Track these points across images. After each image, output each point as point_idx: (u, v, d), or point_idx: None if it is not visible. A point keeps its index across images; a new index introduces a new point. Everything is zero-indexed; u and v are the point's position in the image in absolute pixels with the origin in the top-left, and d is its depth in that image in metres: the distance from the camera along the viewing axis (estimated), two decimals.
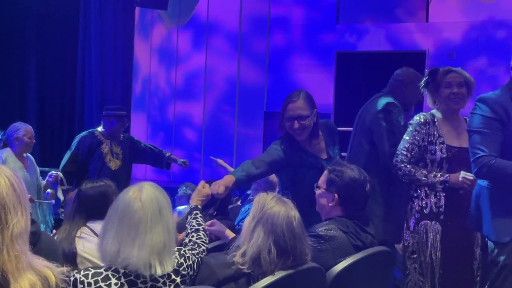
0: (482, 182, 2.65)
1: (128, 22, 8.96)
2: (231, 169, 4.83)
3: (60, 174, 4.50)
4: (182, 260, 1.93)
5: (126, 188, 1.87)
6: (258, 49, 7.96)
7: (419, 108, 4.68)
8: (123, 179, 4.60)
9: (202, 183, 2.63)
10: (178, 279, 1.87)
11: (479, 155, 2.55)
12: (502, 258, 2.56)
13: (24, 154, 4.55)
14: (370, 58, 7.23)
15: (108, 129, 4.66)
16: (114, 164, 4.69)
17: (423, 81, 3.11)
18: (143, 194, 1.80)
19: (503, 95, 2.64)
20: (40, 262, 1.45)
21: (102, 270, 1.78)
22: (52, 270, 1.45)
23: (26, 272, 1.38)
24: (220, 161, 5.01)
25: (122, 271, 1.76)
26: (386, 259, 2.46)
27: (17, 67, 9.80)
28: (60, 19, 9.69)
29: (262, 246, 2.01)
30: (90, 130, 4.82)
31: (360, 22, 7.46)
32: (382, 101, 3.30)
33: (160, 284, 1.81)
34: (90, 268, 1.79)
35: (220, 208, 2.87)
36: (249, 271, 2.00)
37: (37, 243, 1.90)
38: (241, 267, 2.01)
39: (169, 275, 1.84)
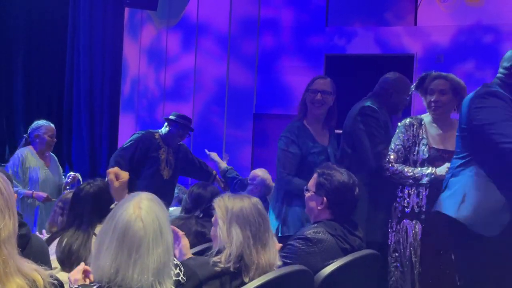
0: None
1: (117, 23, 8.92)
2: (223, 164, 4.86)
3: (78, 175, 4.49)
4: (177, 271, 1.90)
5: (122, 202, 1.77)
6: (247, 50, 7.97)
7: (407, 112, 4.72)
8: (170, 191, 4.35)
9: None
10: None
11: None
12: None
13: (47, 153, 4.56)
14: (359, 61, 7.26)
15: (171, 135, 4.31)
16: (166, 173, 4.35)
17: (413, 86, 3.17)
18: (143, 212, 1.72)
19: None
20: (29, 266, 1.44)
21: None
22: (40, 273, 1.44)
23: (14, 276, 1.37)
24: (213, 154, 5.00)
25: None
26: (374, 262, 2.48)
27: (4, 66, 9.73)
28: (49, 18, 9.64)
29: (243, 241, 2.05)
30: (149, 131, 4.47)
31: (349, 25, 7.50)
32: (361, 105, 3.34)
33: None
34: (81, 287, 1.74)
35: (206, 210, 2.89)
36: (233, 268, 2.01)
37: (27, 246, 1.89)
38: (227, 265, 2.02)
39: None
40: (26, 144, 4.50)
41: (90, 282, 1.77)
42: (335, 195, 2.42)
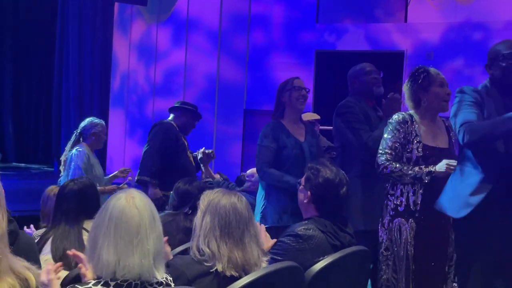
0: None
1: (107, 18, 8.87)
2: (216, 177, 4.86)
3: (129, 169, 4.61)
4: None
5: (113, 196, 1.79)
6: (238, 46, 7.96)
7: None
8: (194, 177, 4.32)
9: None
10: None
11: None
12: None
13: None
14: (349, 57, 7.26)
15: (187, 124, 4.44)
16: (192, 160, 4.47)
17: (411, 79, 3.09)
18: (137, 200, 1.75)
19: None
20: (21, 264, 1.43)
21: (90, 285, 1.71)
22: (32, 272, 1.43)
23: (6, 275, 1.36)
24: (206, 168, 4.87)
25: (112, 283, 1.69)
26: (364, 258, 2.49)
27: None
28: (38, 13, 9.57)
29: (209, 230, 2.06)
30: (164, 121, 4.51)
31: (340, 21, 7.51)
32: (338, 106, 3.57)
33: None
34: (77, 286, 1.72)
35: (195, 206, 2.88)
36: (209, 264, 2.01)
37: (15, 242, 1.88)
38: (206, 264, 2.02)
39: (161, 283, 1.80)
40: (78, 141, 4.48)
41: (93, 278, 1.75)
42: (318, 190, 2.42)
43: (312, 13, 7.66)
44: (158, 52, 8.30)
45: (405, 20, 7.22)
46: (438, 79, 3.05)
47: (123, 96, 8.60)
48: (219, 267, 2.00)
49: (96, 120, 4.52)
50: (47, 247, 2.65)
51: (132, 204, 1.73)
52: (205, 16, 8.06)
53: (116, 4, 8.54)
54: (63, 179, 4.35)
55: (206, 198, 2.15)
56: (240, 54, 7.96)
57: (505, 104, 2.67)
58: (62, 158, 4.54)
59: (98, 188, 4.31)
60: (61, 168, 4.50)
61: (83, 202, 2.75)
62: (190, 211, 2.88)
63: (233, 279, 2.00)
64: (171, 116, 4.55)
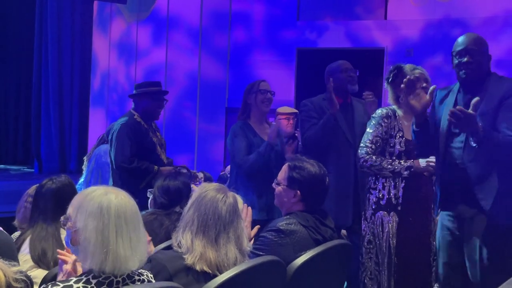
0: None
1: (86, 16, 8.78)
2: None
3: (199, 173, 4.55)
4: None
5: (96, 192, 1.75)
6: (219, 44, 7.94)
7: (379, 104, 4.77)
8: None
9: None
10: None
11: None
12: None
13: None
14: (330, 54, 7.27)
15: (150, 110, 3.79)
16: (164, 157, 3.86)
17: (386, 77, 3.17)
18: (123, 194, 1.76)
19: None
20: None
21: (71, 283, 1.69)
22: (4, 270, 1.40)
23: None
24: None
25: (94, 281, 1.68)
26: (345, 252, 2.50)
27: None
28: (16, 11, 9.43)
29: (187, 223, 2.07)
30: (127, 117, 3.81)
31: (320, 19, 7.53)
32: None
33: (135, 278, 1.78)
34: (58, 283, 1.69)
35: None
36: (189, 261, 2.01)
37: None
38: (188, 262, 2.01)
39: (143, 280, 1.80)
40: (103, 142, 4.57)
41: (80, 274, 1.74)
42: (308, 188, 2.42)
43: (292, 11, 7.68)
44: (138, 50, 8.24)
45: (385, 17, 7.27)
46: (413, 74, 3.09)
47: (104, 95, 8.53)
48: (189, 259, 1.99)
49: None
50: (26, 247, 2.61)
51: (128, 200, 1.75)
52: (185, 14, 8.02)
53: (95, 3, 8.47)
54: (85, 176, 4.52)
55: (199, 191, 2.15)
56: (221, 52, 7.94)
57: (463, 99, 2.71)
58: (86, 158, 4.63)
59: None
60: (83, 167, 4.60)
61: (61, 201, 2.71)
62: (181, 209, 2.82)
63: (207, 275, 1.99)
64: (133, 105, 3.96)
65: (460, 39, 2.74)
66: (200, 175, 4.93)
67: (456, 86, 2.79)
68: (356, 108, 3.60)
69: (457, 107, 2.47)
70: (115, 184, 3.76)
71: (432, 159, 2.89)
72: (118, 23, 8.41)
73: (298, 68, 7.58)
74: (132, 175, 3.69)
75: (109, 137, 3.91)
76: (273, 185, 2.58)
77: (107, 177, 4.37)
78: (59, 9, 8.85)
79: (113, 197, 1.73)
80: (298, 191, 2.45)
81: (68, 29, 8.88)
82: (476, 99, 2.46)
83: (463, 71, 2.66)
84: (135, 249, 1.71)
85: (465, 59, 2.65)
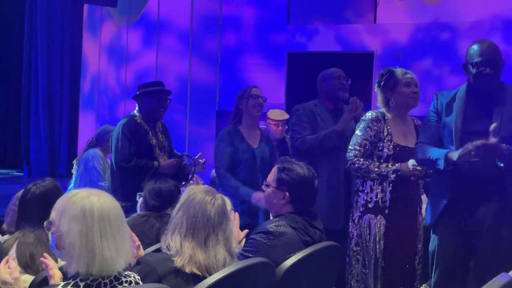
0: None
1: (76, 19, 8.76)
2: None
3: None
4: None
5: (78, 195, 1.75)
6: (209, 48, 7.94)
7: (368, 107, 4.79)
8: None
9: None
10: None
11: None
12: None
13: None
14: (320, 58, 7.33)
15: (152, 110, 3.78)
16: (163, 160, 3.79)
17: (377, 80, 3.19)
18: (104, 197, 1.75)
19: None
20: None
21: (59, 287, 1.68)
22: None
23: None
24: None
25: (82, 284, 1.68)
26: (334, 253, 2.51)
27: None
28: (5, 15, 9.39)
29: (176, 226, 2.07)
30: (128, 117, 3.82)
31: (310, 23, 7.56)
32: None
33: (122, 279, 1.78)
34: None
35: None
36: (178, 264, 2.01)
37: None
38: (177, 264, 2.01)
39: (130, 282, 1.80)
40: (92, 146, 4.59)
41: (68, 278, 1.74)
42: (297, 190, 2.43)
43: (283, 15, 7.71)
44: (128, 53, 8.22)
45: (374, 21, 7.32)
46: (404, 79, 3.12)
47: (93, 99, 8.50)
48: (178, 261, 2.00)
49: (111, 127, 4.60)
50: (13, 252, 2.59)
51: (111, 202, 1.75)
52: (176, 18, 8.02)
53: (86, 6, 8.44)
54: (75, 180, 4.51)
55: (187, 193, 2.15)
56: (211, 56, 7.95)
57: (475, 105, 2.72)
58: (75, 162, 4.62)
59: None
60: (73, 171, 4.59)
61: (47, 206, 2.69)
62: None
63: (196, 277, 1.99)
64: (136, 107, 3.93)
65: (477, 48, 2.70)
66: (203, 160, 4.87)
67: (461, 91, 2.78)
68: None
69: (475, 142, 2.46)
70: (114, 185, 3.76)
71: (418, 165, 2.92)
72: (108, 26, 8.40)
73: (289, 71, 7.61)
74: (132, 173, 3.68)
75: (110, 139, 3.95)
76: (263, 187, 2.59)
77: (95, 181, 4.36)
78: (48, 12, 8.82)
79: (96, 200, 1.73)
80: (287, 193, 2.45)
81: (58, 33, 8.85)
82: (494, 125, 2.48)
83: (484, 82, 2.67)
84: (120, 250, 1.71)
85: (487, 70, 2.65)
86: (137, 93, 3.94)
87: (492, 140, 2.46)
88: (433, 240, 2.79)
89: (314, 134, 3.53)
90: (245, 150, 3.61)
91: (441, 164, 2.61)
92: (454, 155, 2.55)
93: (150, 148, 3.77)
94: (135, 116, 3.84)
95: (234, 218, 2.48)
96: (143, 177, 3.53)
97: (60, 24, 8.83)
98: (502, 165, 2.53)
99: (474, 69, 2.67)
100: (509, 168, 2.57)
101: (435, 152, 2.68)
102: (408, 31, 7.13)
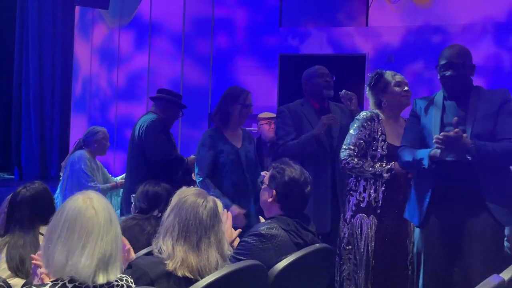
0: None
1: (67, 21, 8.72)
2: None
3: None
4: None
5: (71, 197, 1.77)
6: (202, 50, 7.94)
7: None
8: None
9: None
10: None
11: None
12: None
13: (96, 158, 4.58)
14: (312, 60, 7.29)
15: (173, 118, 4.09)
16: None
17: (368, 83, 3.22)
18: (94, 201, 1.74)
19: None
20: None
21: (47, 287, 1.68)
22: None
23: None
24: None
25: (70, 286, 1.68)
26: (326, 256, 2.51)
27: None
28: None
29: (168, 229, 2.06)
30: (151, 118, 3.98)
31: (303, 25, 7.58)
32: None
33: None
34: (33, 287, 1.70)
35: (165, 209, 2.83)
36: (170, 267, 1.99)
37: None
38: (169, 268, 2.00)
39: (121, 285, 1.79)
40: (80, 148, 4.58)
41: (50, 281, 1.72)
42: (283, 189, 2.44)
43: (275, 17, 7.71)
44: (120, 56, 8.20)
45: (366, 24, 7.34)
46: (394, 79, 3.16)
47: (85, 101, 8.47)
48: (170, 265, 1.98)
49: (98, 128, 4.63)
50: (2, 255, 2.58)
51: (89, 204, 1.72)
52: (168, 20, 8.01)
53: (77, 8, 8.41)
54: (63, 183, 4.49)
55: (177, 196, 2.14)
56: (204, 58, 7.94)
57: (451, 106, 2.79)
58: (63, 164, 4.61)
59: (110, 184, 4.51)
60: (61, 173, 4.60)
61: (37, 208, 2.69)
62: (160, 214, 2.82)
63: (188, 280, 1.98)
64: (153, 108, 4.16)
65: (444, 52, 2.81)
66: None
67: (439, 94, 2.85)
68: (334, 112, 3.62)
69: (442, 133, 2.53)
70: (139, 180, 3.62)
71: None
72: (100, 28, 8.37)
73: (281, 74, 7.62)
74: (171, 166, 3.90)
75: (138, 134, 3.97)
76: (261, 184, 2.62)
77: (85, 183, 4.33)
78: (40, 14, 8.77)
79: (79, 202, 1.73)
80: (274, 191, 2.47)
81: (49, 35, 8.80)
82: (455, 118, 2.55)
83: (449, 84, 2.76)
84: (69, 255, 1.68)
85: (449, 73, 2.74)
86: (162, 96, 4.17)
87: (452, 132, 2.50)
88: (419, 240, 2.80)
89: (300, 135, 3.51)
90: (229, 151, 3.55)
91: (425, 163, 2.66)
92: (437, 151, 2.61)
93: (174, 145, 4.08)
94: (157, 115, 4.05)
95: (227, 219, 2.48)
96: (177, 171, 3.89)
97: (51, 26, 8.79)
98: (469, 158, 2.58)
99: (440, 72, 2.79)
100: (482, 163, 2.61)
101: (418, 153, 2.73)
102: (400, 34, 7.16)
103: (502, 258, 2.65)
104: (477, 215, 2.65)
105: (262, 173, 4.33)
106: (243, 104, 3.58)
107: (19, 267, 2.52)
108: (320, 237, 3.25)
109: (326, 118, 3.44)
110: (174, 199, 2.14)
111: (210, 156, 3.52)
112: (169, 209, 2.13)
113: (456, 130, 2.50)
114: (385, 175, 3.01)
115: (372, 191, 3.06)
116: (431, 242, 2.74)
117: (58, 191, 4.56)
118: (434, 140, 2.53)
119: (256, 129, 5.76)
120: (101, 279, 1.70)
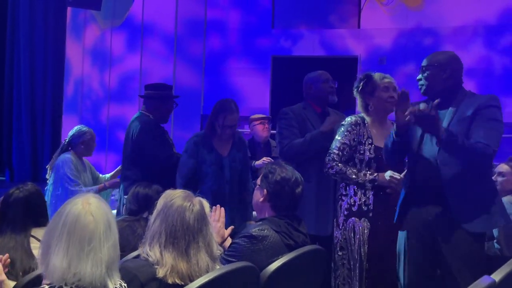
0: None
1: (59, 22, 8.68)
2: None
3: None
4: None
5: (70, 200, 1.75)
6: (194, 52, 7.93)
7: (352, 111, 4.81)
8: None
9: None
10: None
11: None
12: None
13: (83, 158, 4.50)
14: (304, 62, 7.35)
15: (166, 113, 3.97)
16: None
17: (356, 85, 3.23)
18: (93, 207, 1.71)
19: None
20: None
21: None
22: None
23: None
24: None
25: None
26: (319, 257, 2.51)
27: None
28: None
29: (155, 235, 2.02)
30: (144, 118, 3.91)
31: (295, 27, 7.59)
32: None
33: None
34: None
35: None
36: (160, 274, 1.98)
37: None
38: (159, 275, 1.98)
39: None
40: (66, 149, 4.46)
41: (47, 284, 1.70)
42: (274, 188, 2.44)
43: (267, 19, 7.73)
44: (112, 57, 8.17)
45: (358, 26, 7.36)
46: (382, 84, 3.17)
47: (77, 102, 8.43)
48: (160, 272, 1.96)
49: (84, 128, 4.52)
50: None
51: (88, 210, 1.70)
52: (160, 21, 7.99)
53: (69, 9, 8.37)
54: (49, 187, 4.40)
55: (163, 200, 2.10)
56: (196, 59, 7.93)
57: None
58: (49, 166, 4.53)
59: (97, 187, 4.43)
60: (48, 176, 4.51)
61: (30, 210, 2.68)
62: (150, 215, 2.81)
63: (178, 286, 1.96)
64: (144, 107, 4.09)
65: (429, 57, 2.89)
66: None
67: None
68: (333, 117, 3.64)
69: (417, 106, 2.58)
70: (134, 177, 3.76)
71: (396, 176, 2.96)
72: (92, 29, 8.34)
73: (273, 75, 7.62)
74: (171, 168, 3.79)
75: (131, 138, 3.91)
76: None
77: (67, 187, 4.27)
78: (31, 15, 8.73)
79: (78, 207, 1.71)
80: (265, 190, 2.47)
81: (41, 36, 8.76)
82: (436, 101, 2.58)
83: (419, 87, 2.87)
84: (73, 262, 1.66)
85: (418, 76, 2.86)
86: (150, 94, 4.02)
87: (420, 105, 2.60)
88: (400, 238, 2.83)
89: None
90: (213, 161, 3.55)
91: (391, 137, 2.75)
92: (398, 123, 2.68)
93: (170, 146, 3.97)
94: (148, 115, 3.96)
95: (220, 216, 2.48)
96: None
97: (43, 27, 8.74)
98: (438, 146, 2.63)
99: (420, 75, 2.89)
100: (448, 159, 2.65)
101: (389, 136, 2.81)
102: (392, 36, 7.18)
103: (478, 258, 2.67)
104: (444, 217, 2.69)
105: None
106: (222, 124, 3.59)
107: (10, 269, 2.51)
108: (321, 239, 3.28)
109: (332, 118, 3.47)
110: (160, 202, 2.10)
111: (190, 163, 3.53)
112: (155, 213, 2.08)
113: (424, 104, 2.59)
114: (367, 185, 3.03)
115: (362, 194, 3.07)
116: (413, 239, 2.79)
117: (46, 195, 4.50)
118: (407, 112, 2.55)
119: (249, 130, 5.76)
120: (111, 286, 1.70)
